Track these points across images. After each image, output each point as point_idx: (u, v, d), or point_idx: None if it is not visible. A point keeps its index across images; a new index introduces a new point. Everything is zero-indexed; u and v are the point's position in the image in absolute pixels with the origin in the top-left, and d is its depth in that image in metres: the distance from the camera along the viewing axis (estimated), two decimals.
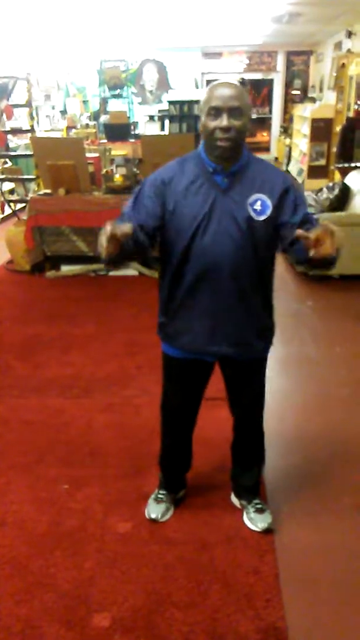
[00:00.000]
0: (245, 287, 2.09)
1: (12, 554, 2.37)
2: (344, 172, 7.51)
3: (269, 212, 2.01)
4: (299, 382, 3.82)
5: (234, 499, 2.63)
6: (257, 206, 2.00)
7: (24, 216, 6.64)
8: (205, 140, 2.00)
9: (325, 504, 2.65)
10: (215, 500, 2.65)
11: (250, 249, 2.02)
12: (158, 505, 2.56)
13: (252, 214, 2.00)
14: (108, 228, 1.78)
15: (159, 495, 2.59)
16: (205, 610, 2.09)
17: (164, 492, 2.59)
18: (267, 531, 2.44)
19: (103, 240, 1.80)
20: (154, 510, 2.54)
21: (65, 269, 6.12)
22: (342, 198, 5.97)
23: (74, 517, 2.56)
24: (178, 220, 2.03)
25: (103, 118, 9.65)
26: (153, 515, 2.52)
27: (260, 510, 2.50)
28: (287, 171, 12.87)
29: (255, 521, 2.48)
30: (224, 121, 1.91)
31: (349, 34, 9.93)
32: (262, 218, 2.01)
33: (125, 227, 1.81)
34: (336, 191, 6.00)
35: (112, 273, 5.98)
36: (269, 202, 2.00)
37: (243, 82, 14.73)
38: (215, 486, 2.73)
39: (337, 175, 8.69)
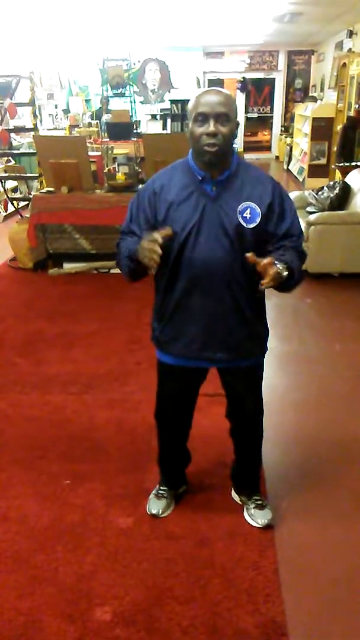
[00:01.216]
0: (236, 293, 2.09)
1: (14, 549, 2.39)
2: (345, 171, 7.52)
3: (258, 219, 2.00)
4: (298, 380, 3.83)
5: (234, 495, 2.65)
6: (247, 214, 2.00)
7: (26, 214, 6.67)
8: (193, 146, 2.00)
9: (325, 499, 2.67)
10: (216, 496, 2.67)
11: (240, 256, 2.00)
12: (159, 501, 2.58)
13: (242, 222, 2.00)
14: (146, 241, 1.89)
15: (160, 491, 2.61)
16: (205, 605, 2.11)
17: (164, 488, 2.61)
18: (268, 527, 2.46)
19: (147, 252, 1.89)
20: (155, 506, 2.56)
21: (68, 266, 6.14)
22: (343, 197, 5.98)
23: (76, 512, 2.58)
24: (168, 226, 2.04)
25: (105, 117, 9.66)
26: (154, 511, 2.54)
27: (260, 507, 2.52)
28: (288, 170, 12.88)
29: (255, 517, 2.49)
30: (210, 127, 1.91)
31: (350, 34, 9.94)
32: (251, 226, 2.01)
33: (165, 230, 1.92)
34: (337, 190, 6.02)
35: (113, 271, 6.00)
36: (258, 210, 2.00)
37: (244, 81, 14.76)
38: (215, 482, 2.75)
39: (338, 174, 8.70)
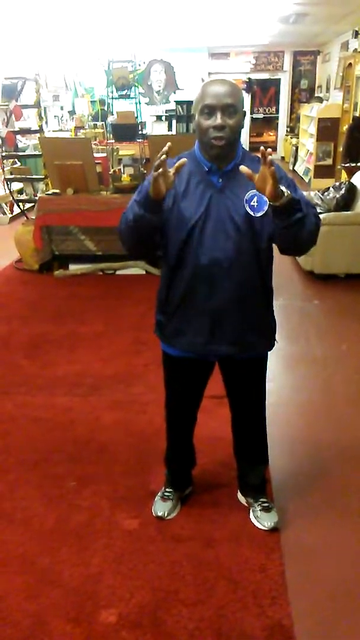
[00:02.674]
0: (243, 285, 2.08)
1: (20, 551, 2.39)
2: (351, 172, 7.51)
3: (265, 207, 1.96)
4: (305, 381, 3.82)
5: (240, 497, 2.64)
6: (254, 202, 1.98)
7: (32, 216, 6.69)
8: (200, 139, 2.00)
9: (332, 502, 2.66)
10: (222, 498, 2.66)
11: (248, 246, 2.01)
12: (165, 503, 2.57)
13: (250, 210, 1.99)
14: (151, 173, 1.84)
15: (166, 493, 2.60)
16: (211, 607, 2.10)
17: (170, 489, 2.61)
18: (274, 530, 2.45)
19: (159, 179, 1.83)
20: (161, 508, 2.55)
21: (73, 268, 6.15)
22: (349, 197, 5.96)
23: (81, 514, 2.58)
24: (175, 219, 2.03)
25: (110, 118, 9.68)
26: (160, 513, 2.54)
27: (267, 509, 2.50)
28: (294, 171, 12.86)
29: (262, 520, 2.48)
30: (217, 120, 1.90)
31: (356, 34, 9.92)
32: (259, 214, 1.99)
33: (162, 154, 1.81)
34: (343, 190, 6.00)
35: (119, 272, 6.01)
36: (265, 198, 1.95)
37: (250, 82, 14.75)
38: (221, 484, 2.74)
39: (344, 175, 8.69)
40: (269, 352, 2.35)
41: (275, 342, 2.33)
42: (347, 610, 2.12)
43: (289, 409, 3.44)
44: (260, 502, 2.53)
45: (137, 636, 1.99)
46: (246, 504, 2.59)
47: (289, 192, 1.84)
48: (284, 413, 3.35)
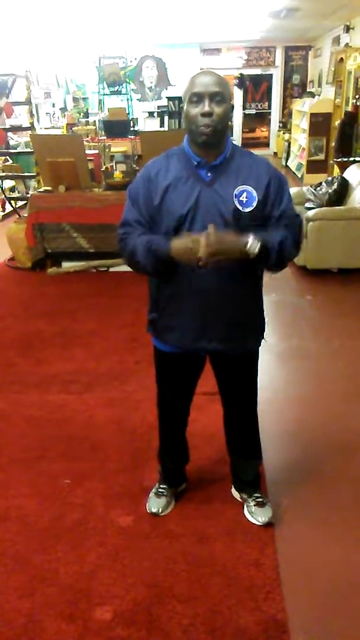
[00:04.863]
0: (232, 281, 2.08)
1: (14, 549, 2.39)
2: (343, 166, 7.52)
3: (254, 203, 1.99)
4: (298, 376, 3.82)
5: (234, 492, 2.64)
6: (243, 197, 1.99)
7: (24, 213, 6.66)
8: (188, 128, 2.00)
9: (325, 496, 2.67)
10: (216, 493, 2.66)
11: None
12: (159, 499, 2.57)
13: (238, 205, 1.99)
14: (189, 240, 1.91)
15: (160, 490, 2.60)
16: (206, 603, 2.11)
17: (164, 486, 2.61)
18: (268, 525, 2.46)
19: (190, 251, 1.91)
20: (155, 504, 2.56)
21: (66, 265, 6.14)
22: (341, 192, 5.97)
23: (76, 512, 2.58)
24: (163, 215, 2.03)
25: (102, 115, 9.64)
26: (154, 510, 2.54)
27: (261, 504, 2.51)
28: (286, 166, 12.86)
29: (256, 515, 2.49)
30: (205, 107, 1.91)
31: (347, 29, 9.92)
32: (248, 209, 1.99)
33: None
34: (335, 185, 6.01)
35: (112, 269, 6.00)
36: (254, 194, 1.99)
37: (242, 77, 14.72)
38: (215, 480, 2.75)
39: (336, 170, 8.69)
40: (260, 348, 2.35)
41: (264, 339, 2.32)
42: (341, 604, 2.13)
43: (282, 404, 3.44)
44: (254, 498, 2.53)
45: (132, 633, 1.99)
46: (240, 500, 2.60)
47: (256, 242, 1.92)
48: (277, 408, 3.36)
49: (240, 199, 1.99)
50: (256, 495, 2.54)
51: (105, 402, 3.49)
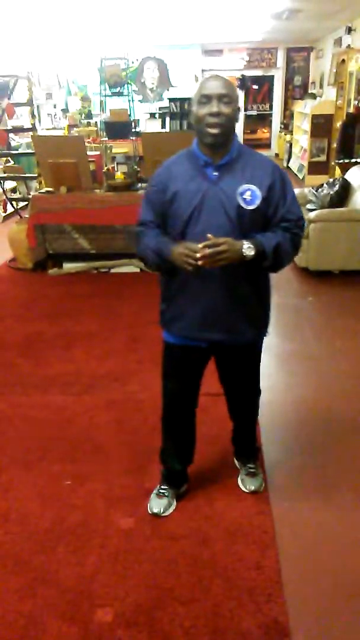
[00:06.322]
0: (234, 275, 2.14)
1: (15, 550, 2.38)
2: (345, 168, 7.50)
3: (257, 202, 2.06)
4: (300, 377, 3.81)
5: (235, 461, 2.81)
6: (247, 196, 2.05)
7: (26, 214, 6.66)
8: (197, 128, 2.07)
9: (328, 498, 2.66)
10: (217, 495, 2.66)
11: (239, 239, 2.05)
12: (160, 500, 2.57)
13: (242, 203, 2.05)
14: (184, 250, 2.02)
15: (161, 490, 2.60)
16: (207, 605, 2.10)
17: (166, 487, 2.61)
18: (255, 493, 2.63)
19: (183, 258, 2.02)
20: (156, 505, 2.56)
21: (68, 266, 6.13)
22: (343, 194, 5.96)
23: (77, 513, 2.57)
24: (173, 211, 2.12)
25: (103, 116, 9.64)
26: (155, 510, 2.54)
27: (252, 474, 2.69)
28: (288, 167, 12.86)
29: (245, 482, 2.68)
30: (213, 107, 1.99)
31: (349, 30, 9.91)
32: (251, 207, 2.06)
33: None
34: (337, 187, 5.99)
35: (113, 270, 6.00)
36: (258, 193, 2.06)
37: (243, 78, 14.72)
38: (217, 481, 2.74)
39: (338, 171, 8.69)
40: (262, 348, 2.44)
41: (267, 333, 2.40)
42: (343, 606, 2.13)
43: (284, 404, 3.44)
44: (247, 467, 2.71)
45: (133, 635, 1.99)
46: (238, 467, 2.78)
47: (251, 249, 2.02)
48: (279, 408, 3.35)
49: (244, 197, 2.05)
50: (250, 465, 2.72)
51: (106, 403, 3.49)
